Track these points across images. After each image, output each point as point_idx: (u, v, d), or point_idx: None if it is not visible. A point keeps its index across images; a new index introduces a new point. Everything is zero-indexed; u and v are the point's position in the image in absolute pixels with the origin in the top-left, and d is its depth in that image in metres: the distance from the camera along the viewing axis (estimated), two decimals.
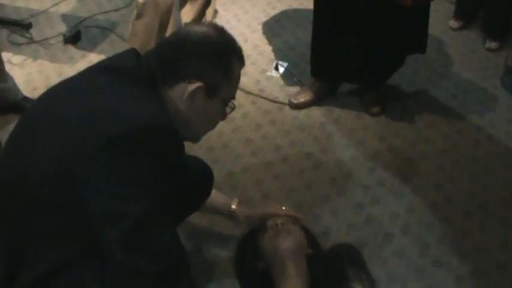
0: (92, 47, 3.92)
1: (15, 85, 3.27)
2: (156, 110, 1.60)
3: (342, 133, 3.16)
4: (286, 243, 2.09)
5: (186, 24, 3.43)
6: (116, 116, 1.54)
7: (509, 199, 2.73)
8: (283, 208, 2.27)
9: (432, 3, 3.03)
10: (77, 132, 1.54)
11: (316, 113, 3.30)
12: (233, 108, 1.85)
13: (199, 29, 1.75)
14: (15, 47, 3.90)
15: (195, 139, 1.88)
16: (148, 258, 1.49)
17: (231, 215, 2.29)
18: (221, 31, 1.76)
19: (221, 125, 1.93)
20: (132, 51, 1.77)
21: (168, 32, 3.27)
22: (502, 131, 3.16)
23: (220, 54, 1.71)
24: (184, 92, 1.67)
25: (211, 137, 2.98)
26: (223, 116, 1.85)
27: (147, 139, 1.53)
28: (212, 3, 3.85)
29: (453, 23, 4.07)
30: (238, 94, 1.85)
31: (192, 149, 2.03)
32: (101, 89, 1.64)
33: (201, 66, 1.68)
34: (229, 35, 1.78)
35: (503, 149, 3.04)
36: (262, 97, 3.42)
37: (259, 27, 4.14)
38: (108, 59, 1.81)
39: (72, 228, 1.56)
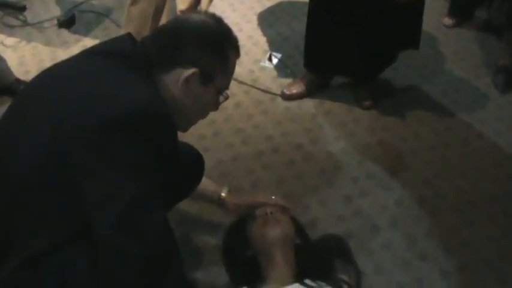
0: (86, 32, 3.90)
1: (7, 67, 3.26)
2: (150, 95, 1.61)
3: (332, 125, 3.17)
4: (275, 232, 2.10)
5: (183, 12, 3.43)
6: (111, 100, 1.55)
7: (497, 196, 2.76)
8: (273, 197, 2.28)
9: (426, 0, 3.04)
10: (70, 116, 1.54)
11: (308, 105, 3.31)
12: (226, 98, 1.85)
13: (197, 17, 1.77)
14: (9, 29, 3.89)
15: (185, 127, 1.88)
16: (139, 241, 1.49)
17: (220, 203, 2.30)
18: (219, 21, 1.78)
19: (213, 113, 1.93)
20: (128, 37, 1.77)
21: (163, 19, 3.26)
22: (491, 129, 3.18)
23: (217, 43, 1.73)
24: (179, 78, 1.68)
25: (202, 125, 2.97)
26: (216, 105, 1.85)
27: (140, 124, 1.53)
28: None
29: (447, 21, 4.09)
30: (231, 83, 1.86)
31: (183, 136, 2.02)
32: (95, 73, 1.65)
33: (198, 53, 1.69)
34: (227, 25, 1.79)
35: (492, 147, 3.06)
36: (254, 87, 3.43)
37: (254, 18, 4.14)
38: (104, 43, 1.80)
39: (64, 210, 1.56)
